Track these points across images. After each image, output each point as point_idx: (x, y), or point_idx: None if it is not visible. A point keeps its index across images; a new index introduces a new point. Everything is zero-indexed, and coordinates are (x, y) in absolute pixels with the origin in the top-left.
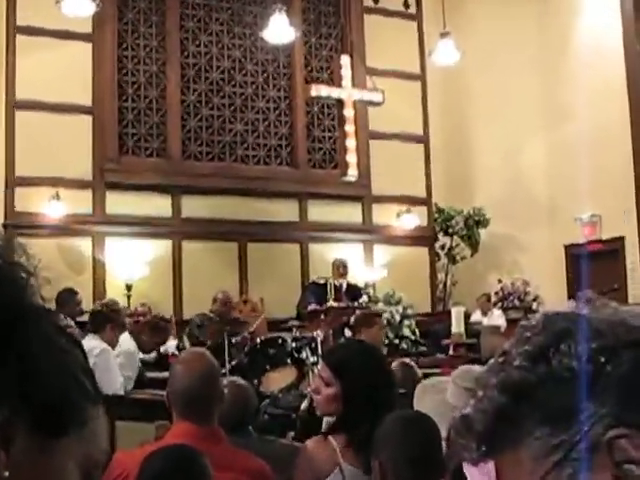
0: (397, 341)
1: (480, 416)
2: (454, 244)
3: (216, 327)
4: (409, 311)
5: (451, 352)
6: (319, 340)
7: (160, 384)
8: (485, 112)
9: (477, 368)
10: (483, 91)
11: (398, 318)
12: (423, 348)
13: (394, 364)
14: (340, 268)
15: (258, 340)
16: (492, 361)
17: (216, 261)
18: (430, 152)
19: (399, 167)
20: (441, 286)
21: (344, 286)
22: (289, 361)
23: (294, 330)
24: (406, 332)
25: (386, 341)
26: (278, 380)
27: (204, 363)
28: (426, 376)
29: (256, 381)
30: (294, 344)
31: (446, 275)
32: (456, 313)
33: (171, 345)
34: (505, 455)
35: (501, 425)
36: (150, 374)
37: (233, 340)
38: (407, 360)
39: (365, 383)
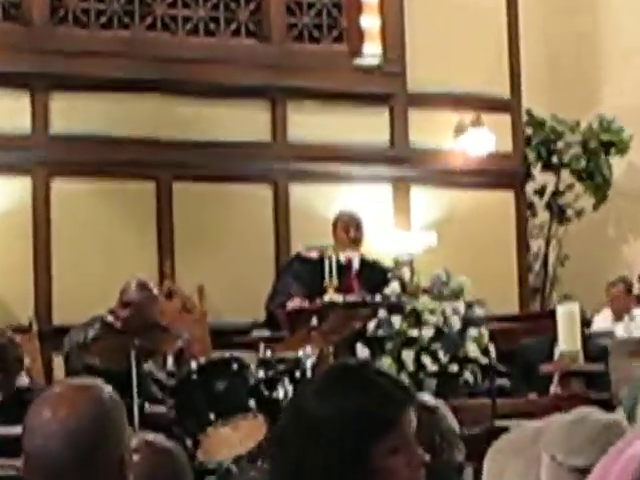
0: (454, 367)
1: None
2: (563, 186)
3: (115, 342)
4: (478, 312)
5: (555, 388)
6: (308, 365)
7: (10, 447)
8: None
9: (597, 416)
10: None
11: (457, 324)
12: (503, 380)
13: None
14: (349, 231)
15: (194, 365)
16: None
17: (115, 217)
18: (519, 16)
19: (459, 42)
20: (537, 265)
21: (356, 264)
22: (252, 405)
23: (261, 347)
24: (471, 350)
25: (433, 367)
26: (231, 441)
27: (84, 407)
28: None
29: (190, 442)
30: (262, 373)
31: (547, 244)
32: (566, 315)
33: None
34: None
35: None
36: None
37: (148, 365)
38: (428, 399)
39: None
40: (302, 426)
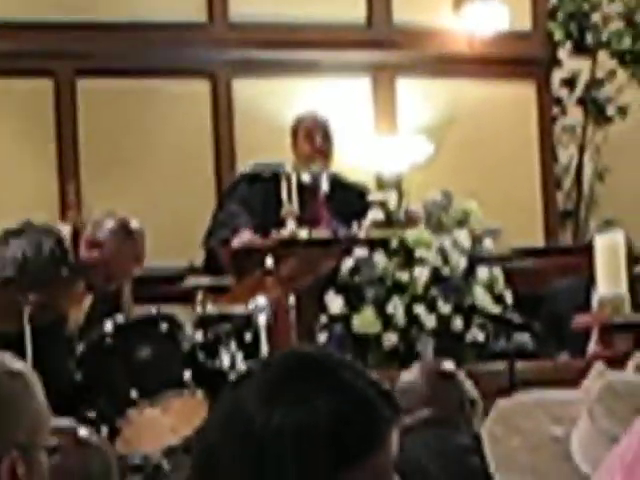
0: (458, 322)
1: None
2: (601, 74)
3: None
4: (489, 246)
5: (594, 346)
6: (261, 322)
7: None
8: None
9: None
10: None
11: (461, 264)
12: (524, 338)
13: (408, 375)
14: (313, 140)
15: (108, 326)
16: None
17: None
18: None
19: None
20: (568, 182)
21: (324, 184)
22: (187, 377)
23: (199, 299)
24: (481, 298)
25: (430, 321)
26: (161, 427)
27: None
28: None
29: (106, 429)
30: (200, 335)
31: (581, 153)
32: (607, 249)
33: None
34: None
35: None
36: None
37: (47, 324)
38: (446, 365)
39: None
40: (240, 442)
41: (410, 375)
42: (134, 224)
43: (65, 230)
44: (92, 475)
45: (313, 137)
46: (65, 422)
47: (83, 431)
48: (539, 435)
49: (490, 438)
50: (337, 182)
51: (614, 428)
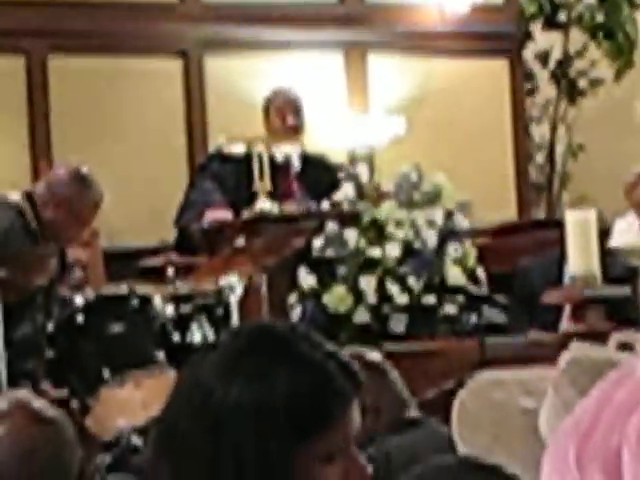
0: (430, 298)
1: None
2: (573, 50)
3: None
4: (461, 222)
5: (566, 323)
6: (233, 299)
7: None
8: None
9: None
10: None
11: (433, 240)
12: (496, 314)
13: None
14: (285, 116)
15: (79, 302)
16: None
17: None
18: None
19: None
20: (541, 158)
21: (295, 160)
22: (159, 354)
23: (170, 276)
24: (453, 275)
25: (402, 298)
26: (132, 404)
27: None
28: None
29: (77, 407)
30: (171, 310)
31: (553, 129)
32: (578, 225)
33: None
34: None
35: None
36: None
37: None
38: (371, 354)
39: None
40: (198, 415)
41: None
42: (84, 169)
43: (16, 197)
44: (37, 449)
45: (284, 113)
46: (26, 397)
47: (37, 404)
48: (509, 407)
49: (460, 408)
50: (308, 158)
51: (576, 399)
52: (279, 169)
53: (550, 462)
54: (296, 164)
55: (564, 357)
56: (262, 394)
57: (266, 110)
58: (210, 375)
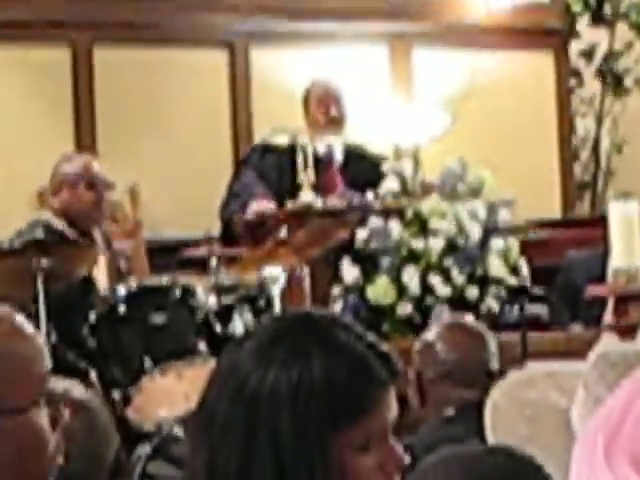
0: (473, 291)
1: None
2: (619, 46)
3: (13, 263)
4: (505, 216)
5: (609, 317)
6: (276, 291)
7: None
8: None
9: None
10: None
11: (476, 233)
12: (539, 308)
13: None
14: (328, 107)
15: (121, 293)
16: None
17: (14, 96)
18: None
19: None
20: (586, 153)
21: (338, 153)
22: (201, 345)
23: (213, 267)
24: (495, 268)
25: (444, 290)
26: (174, 395)
27: None
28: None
29: (118, 396)
30: (213, 301)
31: (599, 124)
32: (622, 220)
33: None
34: None
35: None
36: None
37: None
38: (466, 319)
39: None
40: (235, 401)
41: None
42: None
43: (45, 216)
44: (69, 437)
45: (326, 105)
46: (63, 383)
47: (84, 396)
48: (542, 406)
49: (492, 407)
50: (351, 151)
51: (606, 393)
52: (321, 161)
53: (579, 451)
54: (338, 156)
55: (594, 351)
56: (299, 380)
57: (305, 101)
58: (246, 361)
